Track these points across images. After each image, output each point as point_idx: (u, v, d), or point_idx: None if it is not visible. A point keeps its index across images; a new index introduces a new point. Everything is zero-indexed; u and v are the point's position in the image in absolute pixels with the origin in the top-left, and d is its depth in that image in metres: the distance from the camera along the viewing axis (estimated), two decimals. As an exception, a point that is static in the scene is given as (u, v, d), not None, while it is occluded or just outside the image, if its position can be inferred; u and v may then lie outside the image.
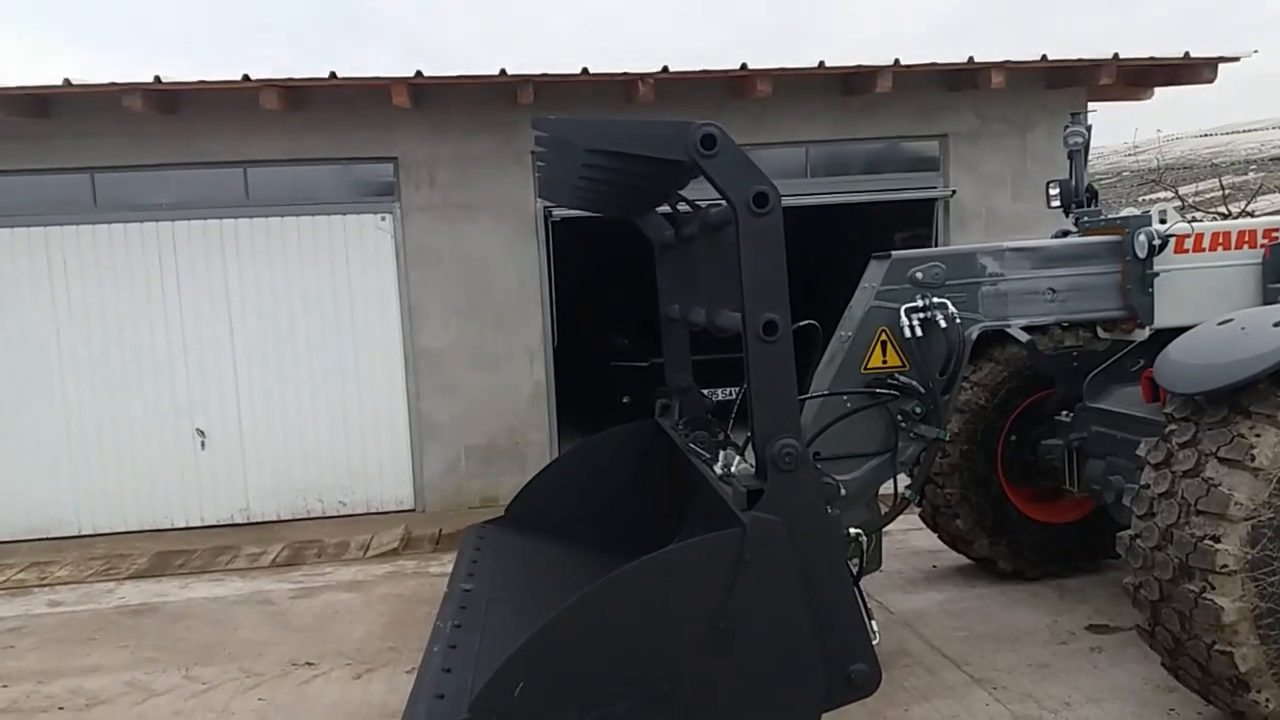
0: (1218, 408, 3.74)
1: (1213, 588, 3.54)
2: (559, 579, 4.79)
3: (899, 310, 4.55)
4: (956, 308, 4.58)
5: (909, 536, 6.77)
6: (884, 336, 4.60)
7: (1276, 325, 3.67)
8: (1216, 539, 3.53)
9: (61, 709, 4.89)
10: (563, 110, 8.14)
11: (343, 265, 8.26)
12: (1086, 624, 5.23)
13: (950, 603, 5.67)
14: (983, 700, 4.41)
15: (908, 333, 4.52)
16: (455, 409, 8.48)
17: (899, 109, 8.66)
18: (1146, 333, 5.05)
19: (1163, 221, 4.84)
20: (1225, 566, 3.51)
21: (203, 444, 8.29)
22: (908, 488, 4.66)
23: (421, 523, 8.15)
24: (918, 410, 4.55)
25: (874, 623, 3.75)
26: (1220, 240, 4.92)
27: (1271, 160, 18.56)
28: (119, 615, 6.34)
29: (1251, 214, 11.63)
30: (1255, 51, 8.19)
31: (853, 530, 4.19)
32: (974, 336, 4.71)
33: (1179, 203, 12.81)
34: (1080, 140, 5.82)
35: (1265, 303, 4.79)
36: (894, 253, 4.70)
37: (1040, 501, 5.90)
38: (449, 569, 5.94)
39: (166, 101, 7.62)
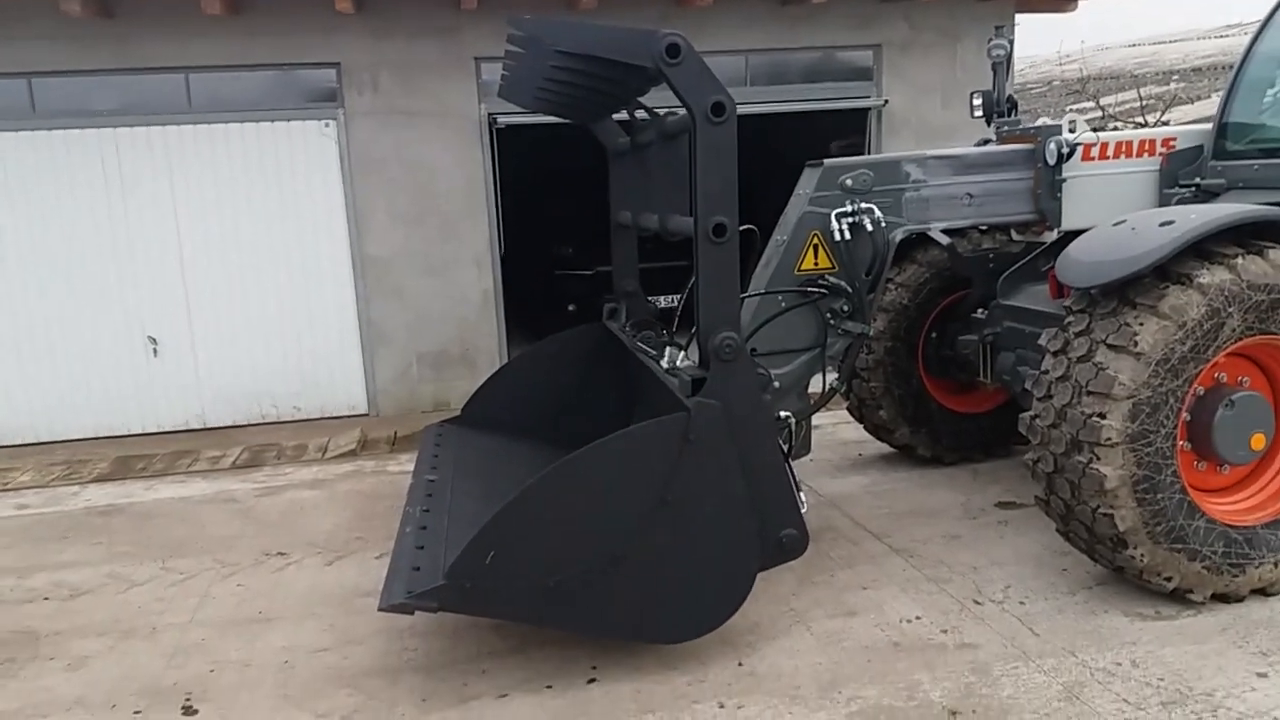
0: (1109, 300, 4.18)
1: (1098, 458, 4.03)
2: (517, 469, 5.15)
3: (830, 215, 4.89)
4: (882, 212, 4.94)
5: (838, 429, 7.27)
6: (816, 240, 4.95)
7: (1161, 225, 4.09)
8: (1102, 415, 4.01)
9: (47, 599, 5.17)
10: (505, 16, 8.18)
11: (288, 172, 8.32)
12: (995, 502, 5.78)
13: (874, 485, 6.19)
14: (900, 566, 4.92)
15: (837, 236, 4.88)
16: (405, 316, 8.69)
17: (835, 18, 8.86)
18: (1055, 235, 5.48)
19: (1071, 131, 5.22)
20: (1109, 439, 4.00)
21: (155, 351, 8.41)
22: (836, 379, 5.08)
23: (376, 426, 8.43)
24: (845, 308, 4.95)
25: (803, 495, 4.20)
26: (1123, 149, 5.33)
27: (1193, 71, 19.13)
28: (87, 515, 6.57)
29: (1166, 124, 12.17)
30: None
31: (783, 414, 4.61)
32: (898, 239, 5.08)
33: (1099, 113, 13.28)
34: (1003, 53, 6.14)
35: (1161, 205, 5.24)
36: (825, 161, 5.02)
37: (957, 393, 6.41)
38: (407, 468, 6.31)
39: (104, 4, 7.52)
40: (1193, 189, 5.19)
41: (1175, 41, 26.75)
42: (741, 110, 9.43)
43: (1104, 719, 3.49)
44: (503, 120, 8.41)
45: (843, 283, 4.92)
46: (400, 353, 8.71)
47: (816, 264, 4.98)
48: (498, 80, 8.70)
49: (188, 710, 3.93)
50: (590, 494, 3.77)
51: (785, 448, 4.60)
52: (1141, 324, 4.02)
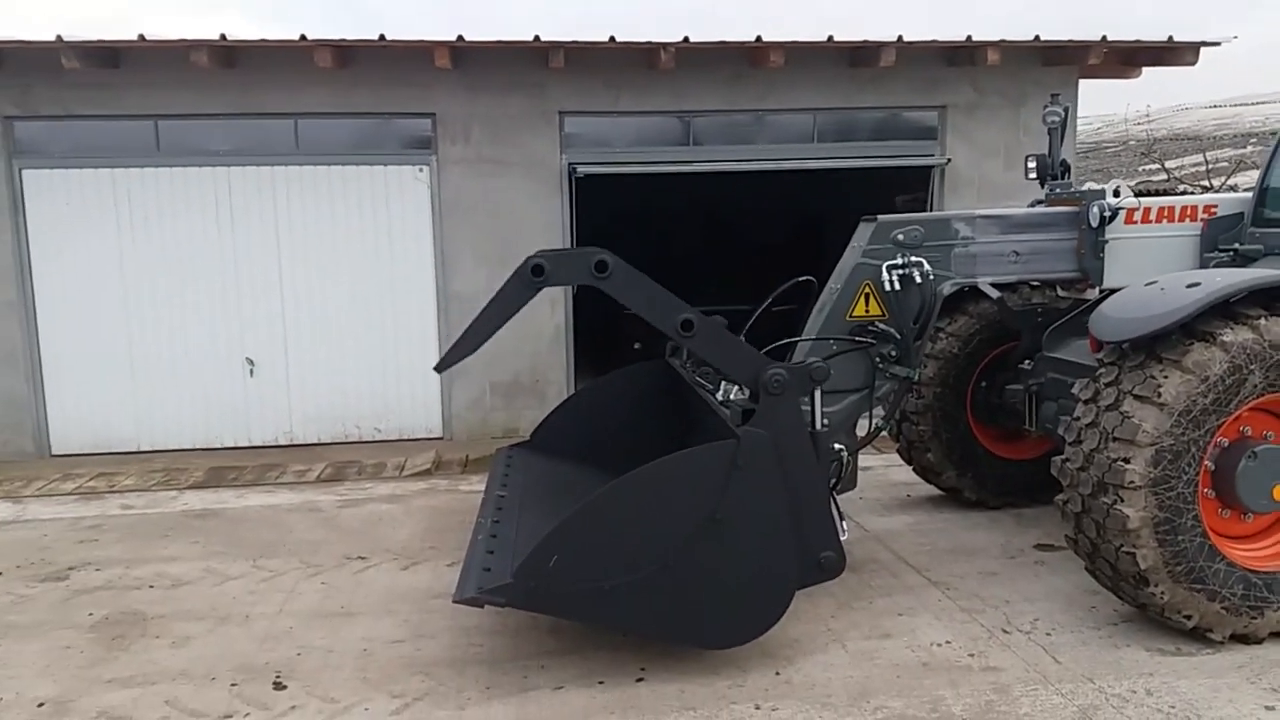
0: (1138, 353, 4.47)
1: (1122, 500, 4.30)
2: (580, 489, 5.57)
3: (881, 266, 5.27)
4: (931, 266, 5.29)
5: (888, 471, 7.56)
6: (867, 289, 5.33)
7: (1189, 287, 4.38)
8: (1127, 460, 4.29)
9: (152, 587, 5.72)
10: (589, 74, 8.79)
11: (383, 212, 8.98)
12: (1034, 544, 6.01)
13: (918, 524, 6.46)
14: (936, 597, 5.20)
15: (887, 286, 5.25)
16: (482, 349, 9.18)
17: (902, 80, 9.28)
18: (1097, 293, 5.75)
19: (1116, 195, 5.53)
20: (1132, 483, 4.27)
21: (251, 371, 9.07)
22: (882, 419, 5.42)
23: (450, 449, 8.95)
24: (893, 354, 5.30)
25: (844, 523, 4.54)
26: (1165, 214, 5.62)
27: (1271, 134, 19.00)
28: (185, 518, 7.16)
29: (1234, 189, 12.23)
30: (1235, 37, 8.79)
31: (837, 446, 4.97)
32: (945, 291, 5.43)
33: (1165, 175, 13.36)
34: (1057, 120, 6.47)
35: (1200, 269, 5.50)
36: (879, 216, 5.41)
37: (1004, 440, 6.66)
38: (478, 488, 6.75)
39: (227, 56, 8.30)
40: (1231, 254, 5.45)
41: (1258, 103, 26.47)
42: (808, 165, 9.91)
43: (1113, 739, 3.75)
44: (582, 170, 8.97)
45: (891, 330, 5.27)
46: (475, 382, 9.24)
47: (868, 311, 5.35)
48: (580, 133, 9.33)
49: (278, 685, 4.39)
50: (646, 509, 4.16)
51: (833, 481, 4.95)
52: (1166, 377, 4.30)
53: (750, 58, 8.84)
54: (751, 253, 14.00)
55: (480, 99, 8.84)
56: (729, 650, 4.40)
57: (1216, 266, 5.37)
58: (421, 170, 8.97)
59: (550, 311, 9.23)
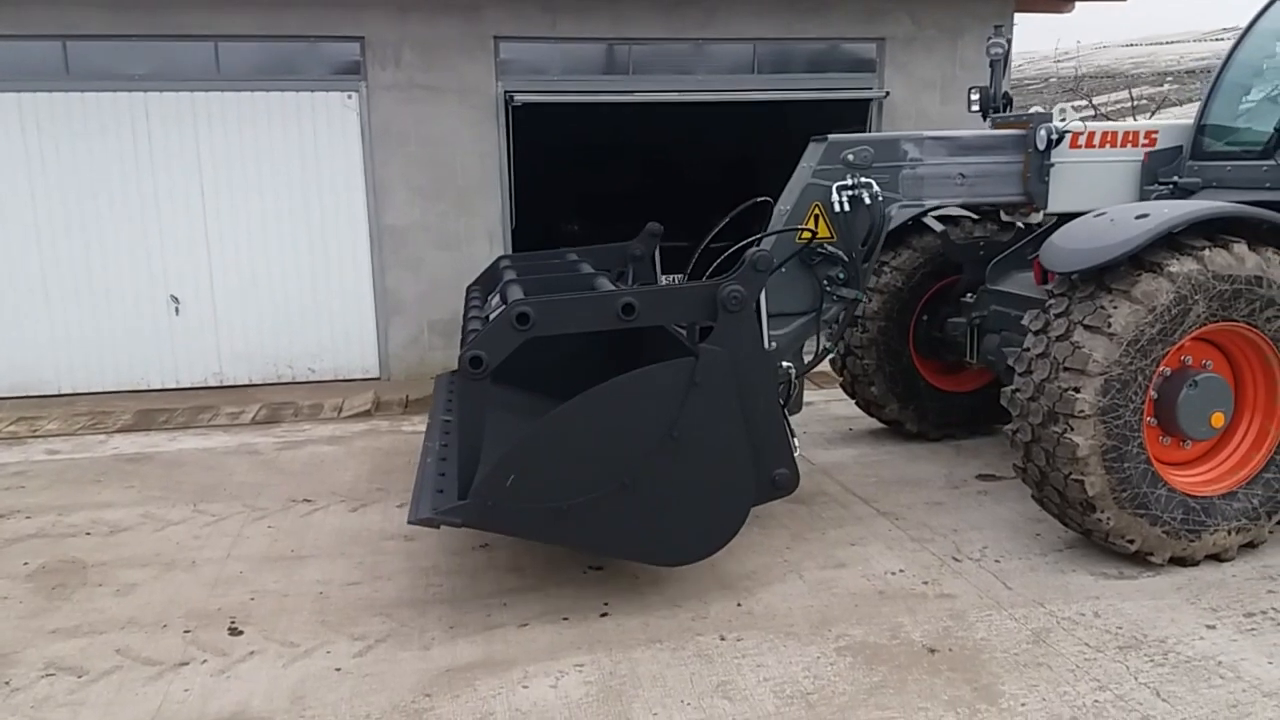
0: (1087, 284, 4.56)
1: (1071, 429, 4.41)
2: (526, 411, 5.47)
3: (831, 187, 5.24)
4: (880, 187, 5.30)
5: (830, 405, 7.66)
6: (817, 210, 5.31)
7: (1138, 218, 4.46)
8: (1077, 390, 4.39)
9: (88, 534, 5.51)
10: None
11: (310, 142, 8.63)
12: (976, 474, 6.16)
13: (863, 457, 6.57)
14: (886, 527, 5.31)
15: (837, 208, 5.24)
16: (419, 285, 9.02)
17: (842, 11, 9.21)
18: (1041, 217, 5.82)
19: (1062, 119, 5.58)
20: (1082, 412, 4.38)
21: (177, 310, 8.73)
22: (828, 339, 5.46)
23: (388, 389, 8.78)
24: (841, 276, 5.32)
25: (796, 440, 4.58)
26: (1108, 138, 5.70)
27: (1186, 73, 19.47)
28: (117, 462, 6.91)
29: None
30: (1166, -28, 8.88)
31: (785, 364, 5.01)
32: (894, 213, 5.44)
33: (1092, 111, 13.60)
34: (1000, 51, 6.48)
35: (1141, 200, 5.62)
36: (830, 136, 5.37)
37: (945, 373, 6.79)
38: (420, 428, 6.60)
39: (141, -26, 7.82)
40: (1170, 186, 5.56)
41: (1172, 43, 27.09)
42: (749, 97, 9.82)
43: (1066, 658, 3.89)
44: (519, 99, 8.73)
45: (839, 252, 5.28)
46: (413, 320, 9.05)
47: (817, 233, 5.34)
48: (516, 59, 9.05)
49: (234, 631, 4.29)
50: (604, 427, 4.11)
51: (782, 401, 4.97)
52: (1115, 307, 4.39)
53: (692, -16, 8.66)
54: (689, 188, 13.91)
55: (411, 21, 8.50)
56: (690, 583, 4.44)
57: (1158, 199, 5.48)
58: (350, 97, 8.62)
59: (489, 248, 9.03)
